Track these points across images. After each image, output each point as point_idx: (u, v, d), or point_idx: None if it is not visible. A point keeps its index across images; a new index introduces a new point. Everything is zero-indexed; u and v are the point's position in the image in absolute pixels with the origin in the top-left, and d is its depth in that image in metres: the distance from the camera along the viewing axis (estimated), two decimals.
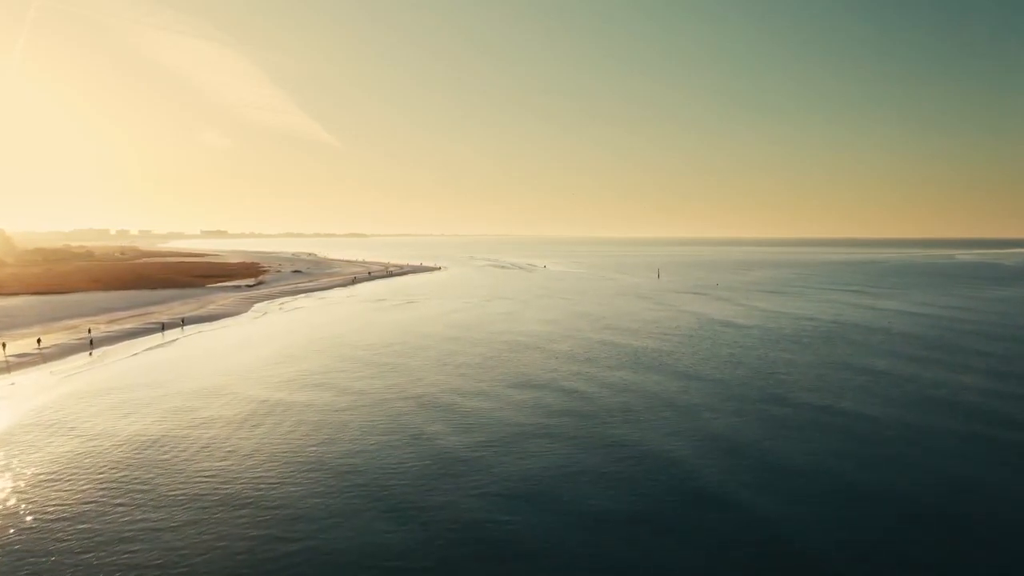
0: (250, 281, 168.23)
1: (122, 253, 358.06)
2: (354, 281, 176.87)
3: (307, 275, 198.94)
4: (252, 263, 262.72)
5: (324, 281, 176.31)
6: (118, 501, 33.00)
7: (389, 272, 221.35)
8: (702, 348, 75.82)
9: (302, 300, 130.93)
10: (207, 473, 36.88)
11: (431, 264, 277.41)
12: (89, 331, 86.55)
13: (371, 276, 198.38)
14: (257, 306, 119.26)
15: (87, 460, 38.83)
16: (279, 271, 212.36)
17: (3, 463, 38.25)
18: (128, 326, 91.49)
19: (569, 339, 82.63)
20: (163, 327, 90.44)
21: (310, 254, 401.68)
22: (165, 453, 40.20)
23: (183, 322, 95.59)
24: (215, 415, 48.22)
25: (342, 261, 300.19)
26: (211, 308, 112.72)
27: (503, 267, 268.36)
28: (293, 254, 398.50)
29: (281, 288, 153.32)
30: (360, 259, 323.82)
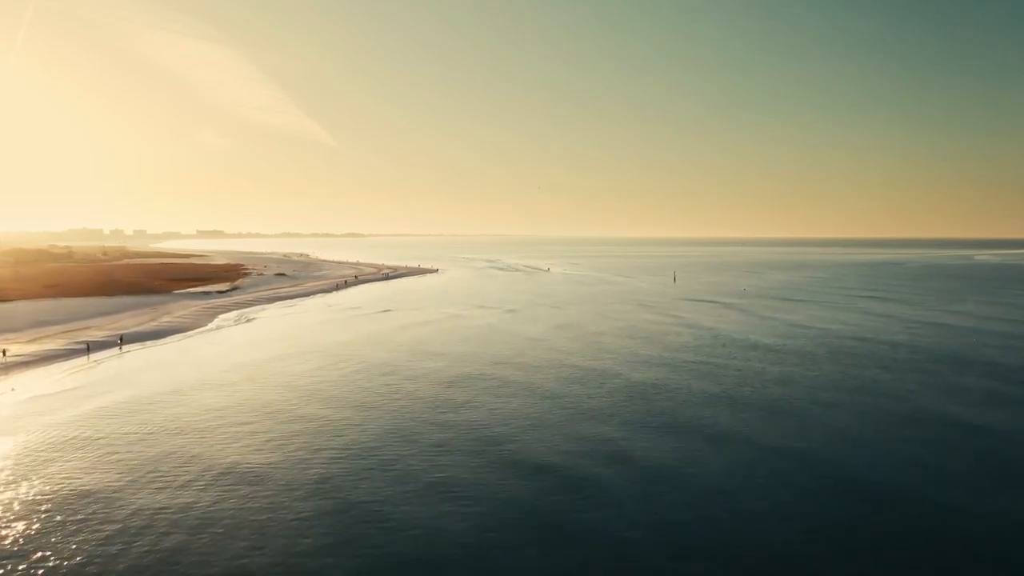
0: (224, 286, 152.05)
1: (104, 254, 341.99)
2: (337, 287, 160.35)
3: (291, 279, 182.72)
4: (236, 265, 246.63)
5: (307, 286, 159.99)
6: None
7: (385, 275, 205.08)
8: (758, 397, 53.84)
9: (274, 309, 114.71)
10: None
11: (428, 266, 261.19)
12: (3, 353, 70.67)
13: (357, 280, 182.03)
14: (221, 317, 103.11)
15: None
16: (261, 274, 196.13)
17: None
18: (51, 346, 75.23)
19: (562, 374, 62.45)
20: (88, 348, 74.13)
21: (302, 255, 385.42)
22: None
23: (121, 340, 79.41)
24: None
25: (334, 263, 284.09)
26: (165, 321, 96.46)
27: (503, 269, 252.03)
28: (284, 255, 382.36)
29: (255, 295, 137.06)
30: (354, 260, 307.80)
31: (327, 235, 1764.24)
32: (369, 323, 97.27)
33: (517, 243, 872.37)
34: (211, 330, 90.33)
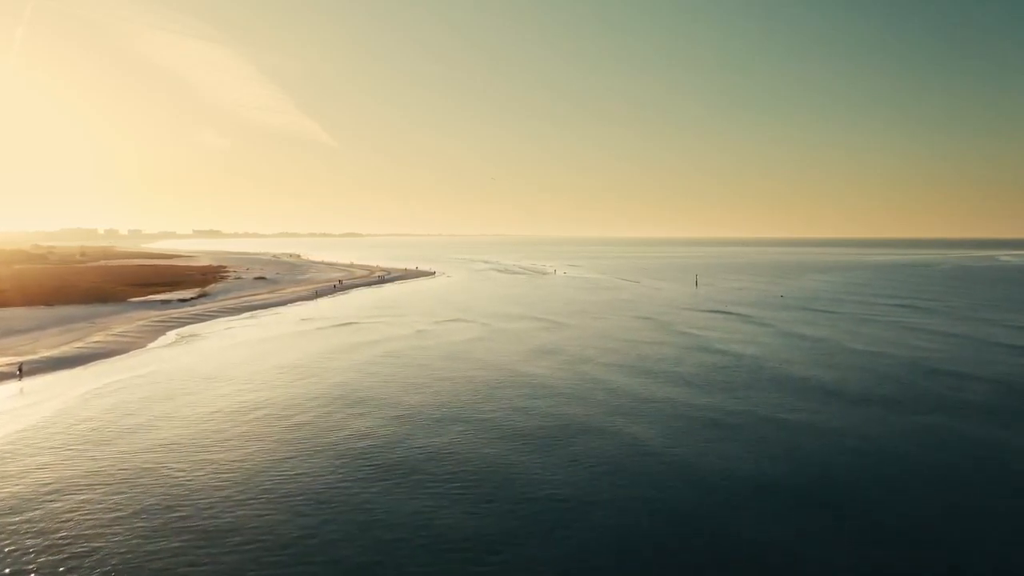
0: (191, 293, 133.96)
1: (83, 254, 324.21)
2: (318, 293, 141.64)
3: (271, 283, 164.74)
4: (217, 267, 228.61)
5: (285, 293, 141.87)
6: None
7: (378, 279, 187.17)
8: (875, 500, 33.28)
9: (234, 322, 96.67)
10: None
11: (424, 268, 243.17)
12: None
13: (342, 285, 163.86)
14: (169, 334, 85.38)
15: None
16: (240, 278, 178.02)
17: None
18: None
19: (541, 449, 40.31)
20: None
21: (293, 255, 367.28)
22: None
23: (20, 371, 61.42)
24: None
25: (324, 264, 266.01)
26: (94, 340, 78.38)
27: (503, 271, 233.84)
28: (275, 255, 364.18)
29: (222, 303, 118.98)
30: (347, 262, 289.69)
31: (325, 235, 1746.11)
32: (320, 343, 78.57)
33: (517, 243, 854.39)
34: (143, 352, 72.47)
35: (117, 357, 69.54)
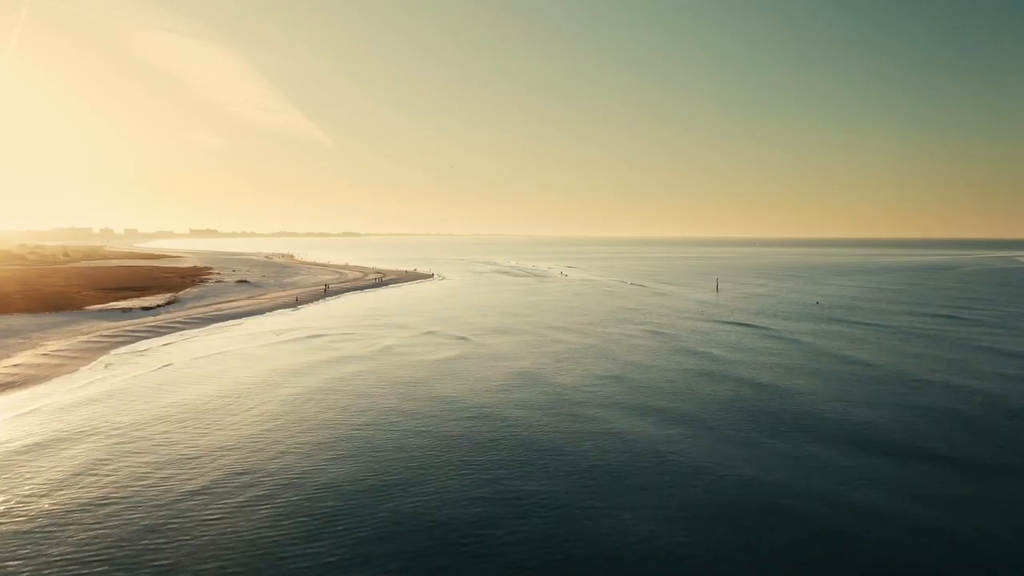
0: (159, 300, 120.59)
1: (65, 255, 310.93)
2: (298, 300, 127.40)
3: (254, 287, 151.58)
4: (200, 269, 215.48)
5: (266, 299, 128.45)
6: None
7: (370, 282, 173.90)
8: None
9: (193, 336, 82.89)
10: None
11: (423, 270, 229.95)
12: None
13: (329, 291, 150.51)
14: (111, 353, 72.17)
15: None
16: (221, 281, 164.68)
17: None
18: None
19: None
20: None
21: (285, 256, 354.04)
22: None
23: None
24: None
25: (316, 266, 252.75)
26: (14, 362, 65.00)
27: (506, 273, 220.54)
28: (267, 256, 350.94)
29: (191, 312, 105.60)
30: (341, 263, 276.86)
31: (323, 234, 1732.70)
32: (263, 366, 64.98)
33: (517, 243, 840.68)
34: (67, 378, 59.04)
35: (30, 387, 56.05)
